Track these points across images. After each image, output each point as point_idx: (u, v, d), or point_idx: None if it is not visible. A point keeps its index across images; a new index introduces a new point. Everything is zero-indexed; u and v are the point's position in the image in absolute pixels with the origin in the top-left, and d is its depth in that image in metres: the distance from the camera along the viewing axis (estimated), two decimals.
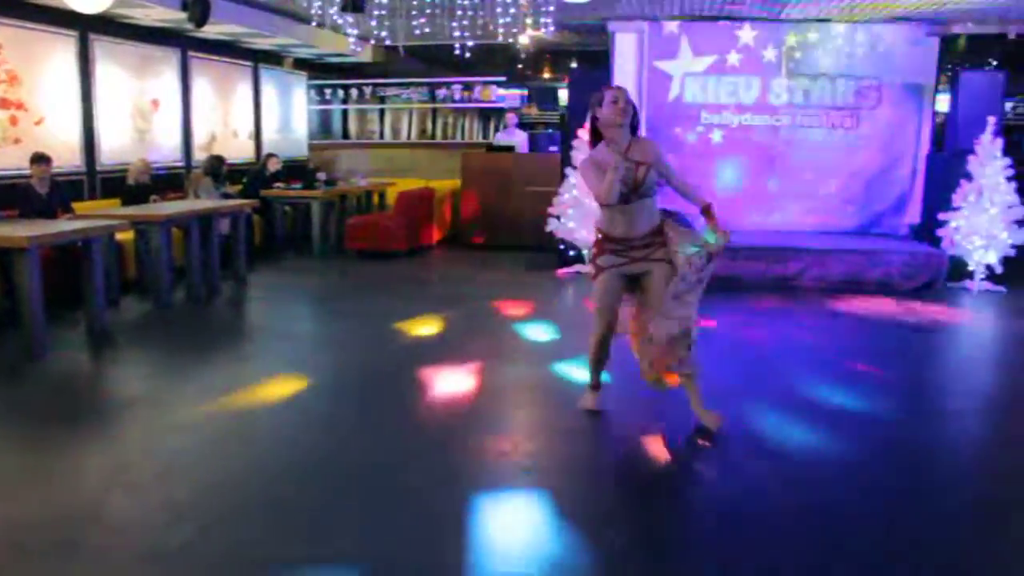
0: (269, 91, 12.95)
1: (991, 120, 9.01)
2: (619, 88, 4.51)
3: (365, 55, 13.25)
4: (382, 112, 14.52)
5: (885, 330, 7.42)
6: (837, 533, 3.45)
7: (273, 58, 13.02)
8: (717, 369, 5.63)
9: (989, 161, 8.87)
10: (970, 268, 9.07)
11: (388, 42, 10.88)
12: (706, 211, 4.51)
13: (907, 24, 10.11)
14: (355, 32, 10.95)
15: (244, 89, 12.34)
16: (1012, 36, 10.51)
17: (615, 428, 4.78)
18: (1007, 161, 8.84)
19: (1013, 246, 8.88)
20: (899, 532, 3.49)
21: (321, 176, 11.33)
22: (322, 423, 4.76)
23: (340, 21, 9.84)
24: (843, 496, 3.82)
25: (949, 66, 10.89)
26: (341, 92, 14.63)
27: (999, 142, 8.93)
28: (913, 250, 9.23)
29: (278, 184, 11.03)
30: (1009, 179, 8.83)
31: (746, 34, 10.29)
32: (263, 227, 10.79)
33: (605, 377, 4.97)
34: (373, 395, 5.32)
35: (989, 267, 8.99)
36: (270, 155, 11.52)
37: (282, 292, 8.75)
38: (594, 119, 4.52)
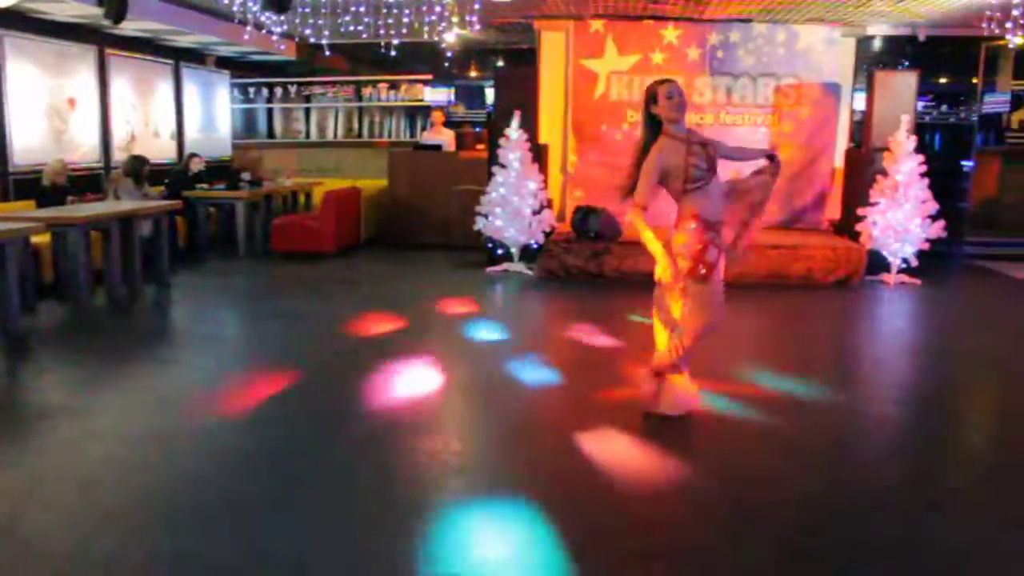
0: (191, 90, 12.69)
1: (905, 118, 9.29)
2: (671, 82, 4.51)
3: (290, 53, 13.07)
4: (308, 111, 14.35)
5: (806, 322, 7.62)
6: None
7: (195, 56, 12.76)
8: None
9: (903, 158, 9.14)
10: (887, 261, 9.34)
11: (312, 40, 10.73)
12: (771, 156, 4.78)
13: (824, 25, 10.36)
14: (280, 30, 10.80)
15: (165, 88, 12.07)
16: (922, 39, 10.87)
17: (556, 426, 4.81)
18: (920, 158, 9.12)
19: (927, 240, 9.18)
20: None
21: (246, 176, 11.14)
22: (248, 427, 4.69)
23: (263, 19, 9.68)
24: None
25: (864, 66, 11.18)
26: (265, 91, 14.40)
27: (913, 140, 9.21)
28: (833, 245, 9.46)
29: (201, 185, 10.81)
30: (922, 175, 9.12)
31: (670, 33, 10.42)
32: (186, 229, 10.56)
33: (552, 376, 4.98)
34: (303, 397, 5.25)
35: (905, 261, 9.28)
36: (192, 155, 11.29)
37: (206, 295, 8.59)
38: (649, 116, 4.47)
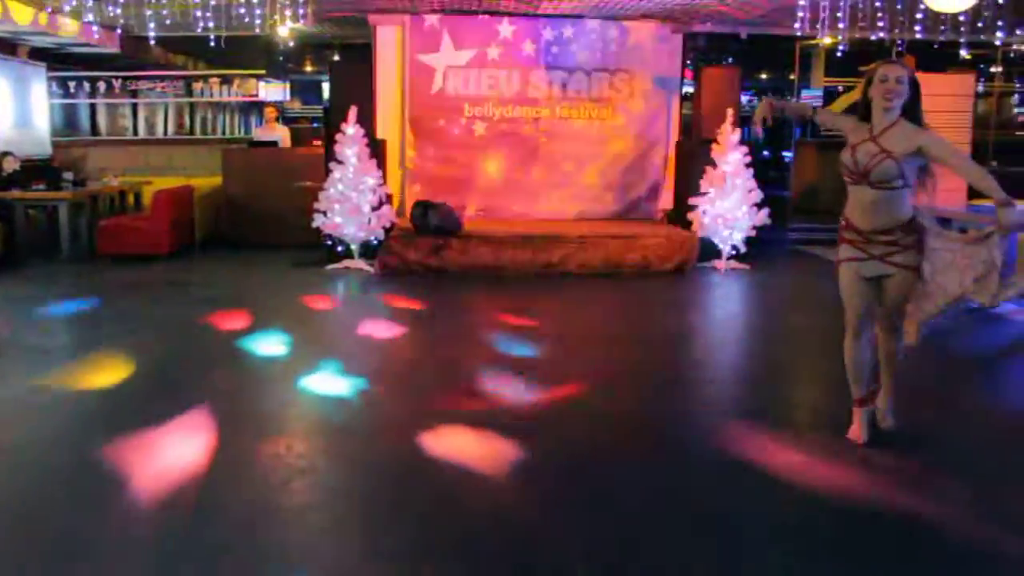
0: (2, 83, 11.87)
1: (730, 112, 9.72)
2: (891, 64, 4.06)
3: (113, 45, 12.43)
4: (135, 107, 13.68)
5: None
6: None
7: (5, 47, 11.93)
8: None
9: (730, 149, 9.56)
10: (718, 248, 9.76)
11: (136, 32, 10.24)
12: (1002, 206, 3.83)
13: (654, 21, 10.69)
14: (98, 20, 10.25)
15: None
16: (744, 36, 11.40)
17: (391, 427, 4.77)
18: (744, 149, 9.56)
19: (754, 227, 9.64)
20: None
21: (68, 176, 10.51)
22: (79, 436, 4.46)
23: (82, 8, 9.16)
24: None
25: (688, 62, 11.61)
26: (88, 85, 13.64)
27: (738, 132, 9.65)
28: (667, 234, 9.80)
29: (17, 186, 10.13)
30: (747, 166, 9.56)
31: (505, 28, 10.52)
32: (3, 233, 9.87)
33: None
34: (139, 402, 5.04)
35: (735, 247, 9.71)
36: (5, 153, 10.55)
37: (27, 303, 8.05)
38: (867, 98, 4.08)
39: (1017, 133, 16.48)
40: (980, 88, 13.64)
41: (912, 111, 3.98)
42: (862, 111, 4.09)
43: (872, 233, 4.02)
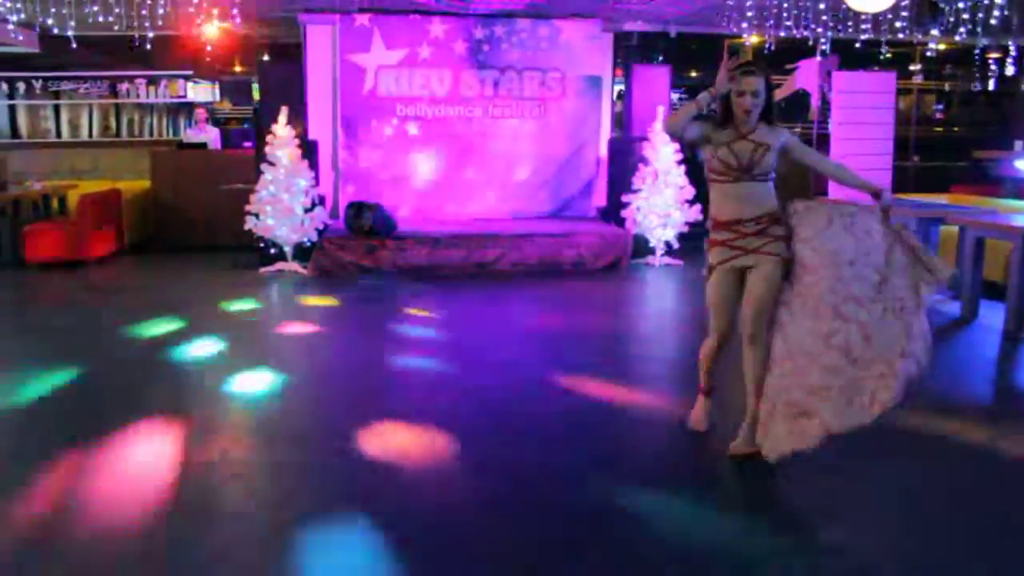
0: None
1: (661, 109, 9.84)
2: (749, 76, 4.00)
3: (31, 45, 12.07)
4: (57, 108, 13.33)
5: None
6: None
7: None
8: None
9: (661, 147, 9.69)
10: (652, 245, 9.88)
11: (56, 30, 9.96)
12: (876, 196, 3.90)
13: (583, 21, 10.77)
14: (15, 18, 9.95)
15: None
16: (673, 35, 11.56)
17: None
18: (676, 146, 9.68)
19: (686, 223, 9.78)
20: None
21: None
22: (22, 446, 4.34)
23: None
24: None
25: (619, 60, 11.70)
26: (6, 86, 13.24)
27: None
28: (601, 231, 9.89)
29: None
30: (680, 163, 9.69)
31: (436, 28, 10.49)
32: None
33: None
34: (72, 407, 5.01)
35: (668, 243, 9.84)
36: None
37: None
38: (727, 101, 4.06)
39: (936, 129, 16.98)
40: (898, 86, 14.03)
41: (767, 113, 4.08)
42: (722, 113, 4.09)
43: (748, 222, 4.02)
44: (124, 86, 13.16)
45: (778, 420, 3.97)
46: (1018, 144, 13.30)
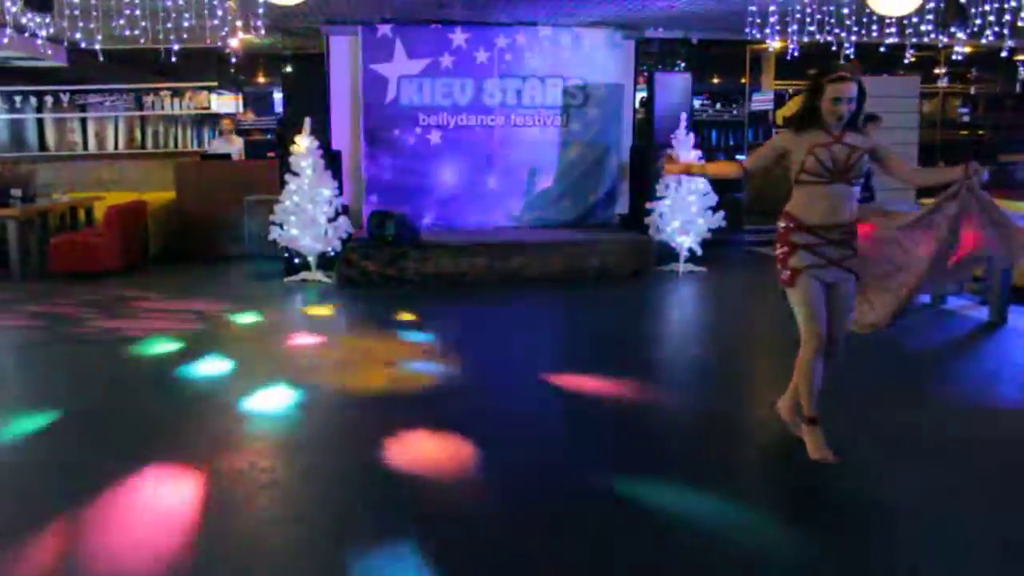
0: None
1: (683, 116, 9.82)
2: (841, 82, 4.05)
3: (60, 59, 12.22)
4: (84, 121, 13.47)
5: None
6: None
7: None
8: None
9: (684, 153, 9.65)
10: (675, 252, 9.84)
11: (84, 45, 10.06)
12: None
13: (605, 28, 10.77)
14: (44, 34, 10.06)
15: None
16: (695, 41, 11.53)
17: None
18: (698, 153, 9.65)
19: (709, 230, 9.73)
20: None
21: (16, 192, 10.29)
22: (62, 461, 4.41)
23: (25, 20, 8.99)
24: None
25: (644, 67, 11.70)
26: (34, 99, 13.40)
27: (691, 136, 9.76)
28: (624, 239, 9.86)
29: None
30: None
31: (458, 37, 10.51)
32: None
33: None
34: (108, 419, 5.02)
35: (691, 250, 9.80)
36: None
37: None
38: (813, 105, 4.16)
39: (961, 133, 16.84)
40: (925, 89, 13.93)
41: (854, 118, 4.14)
42: (805, 118, 4.15)
43: (834, 228, 4.08)
44: (149, 98, 13.30)
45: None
46: None
